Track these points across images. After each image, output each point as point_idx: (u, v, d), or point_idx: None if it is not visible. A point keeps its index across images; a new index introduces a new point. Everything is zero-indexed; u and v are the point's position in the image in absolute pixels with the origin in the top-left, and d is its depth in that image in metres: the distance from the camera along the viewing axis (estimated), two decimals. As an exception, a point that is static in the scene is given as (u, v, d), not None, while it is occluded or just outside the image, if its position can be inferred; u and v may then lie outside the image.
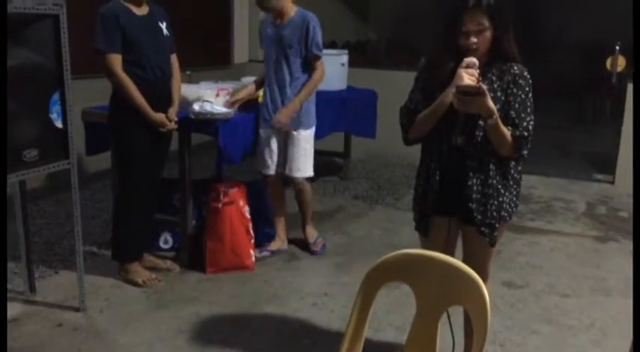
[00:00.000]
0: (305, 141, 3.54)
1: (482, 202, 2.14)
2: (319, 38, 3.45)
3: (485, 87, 1.94)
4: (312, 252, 3.74)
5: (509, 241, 4.09)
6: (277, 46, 3.46)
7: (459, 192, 2.14)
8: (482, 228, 2.17)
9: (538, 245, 4.12)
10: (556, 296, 3.34)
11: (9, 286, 3.19)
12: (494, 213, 2.15)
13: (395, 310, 3.02)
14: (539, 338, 2.90)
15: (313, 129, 3.62)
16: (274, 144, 3.58)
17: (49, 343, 2.70)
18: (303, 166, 3.57)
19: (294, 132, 3.49)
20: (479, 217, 2.15)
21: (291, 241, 3.88)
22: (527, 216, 4.68)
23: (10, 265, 3.42)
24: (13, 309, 2.94)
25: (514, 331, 2.95)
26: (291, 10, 3.43)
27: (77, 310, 2.98)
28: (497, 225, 2.18)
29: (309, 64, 3.50)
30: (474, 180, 2.12)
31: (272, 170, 3.63)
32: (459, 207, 2.16)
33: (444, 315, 2.09)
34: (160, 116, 3.14)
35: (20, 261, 3.11)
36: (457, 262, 1.62)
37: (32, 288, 3.12)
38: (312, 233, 3.82)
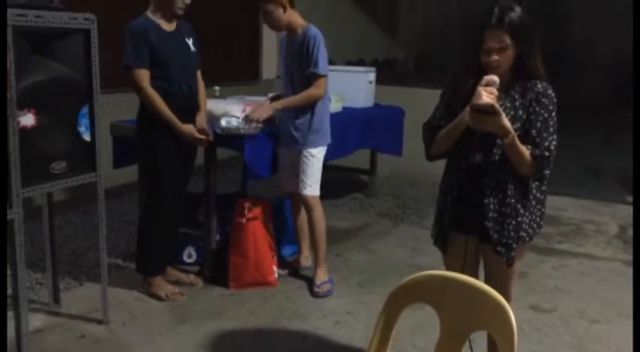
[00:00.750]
0: (313, 159, 3.42)
1: (499, 221, 2.11)
2: (319, 55, 3.27)
3: (499, 106, 1.92)
4: (313, 293, 3.44)
5: (537, 263, 4.00)
6: (286, 63, 3.43)
7: (476, 210, 2.12)
8: (499, 248, 2.13)
9: (567, 268, 4.02)
10: (585, 321, 3.25)
11: (34, 297, 3.22)
12: (512, 233, 2.11)
13: (418, 331, 2.96)
14: (568, 364, 2.82)
15: (323, 148, 3.47)
16: (289, 162, 3.53)
17: (71, 355, 2.71)
18: (310, 184, 3.42)
19: (305, 150, 3.42)
20: (495, 236, 2.11)
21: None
22: (556, 239, 4.58)
23: (36, 276, 3.46)
24: (37, 320, 2.96)
25: (541, 356, 2.86)
26: (299, 26, 3.34)
27: (100, 322, 2.99)
28: (514, 245, 2.13)
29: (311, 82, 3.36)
30: (491, 199, 2.10)
31: (289, 187, 3.60)
32: (476, 225, 2.14)
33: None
34: (188, 127, 3.16)
35: (46, 272, 3.13)
36: (483, 285, 1.58)
37: (57, 300, 3.15)
38: (321, 276, 3.50)
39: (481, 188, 2.10)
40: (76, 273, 3.57)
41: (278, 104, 3.39)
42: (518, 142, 1.98)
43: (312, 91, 3.32)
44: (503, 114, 1.93)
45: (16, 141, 2.39)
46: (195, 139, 3.20)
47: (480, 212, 2.11)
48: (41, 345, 2.76)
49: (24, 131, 2.45)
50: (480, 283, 1.58)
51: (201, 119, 3.27)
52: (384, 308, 1.68)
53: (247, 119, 3.36)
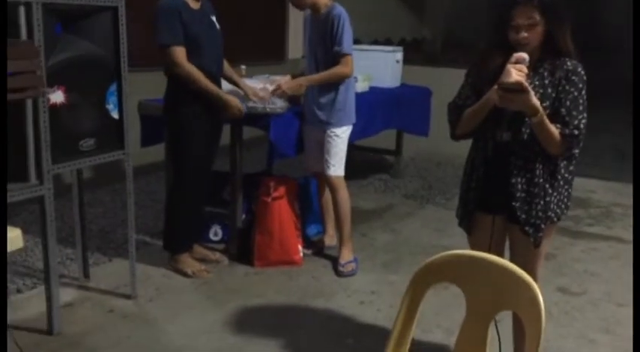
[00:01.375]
0: (338, 138, 3.39)
1: (527, 201, 2.08)
2: (343, 34, 3.22)
3: (528, 84, 1.88)
4: (337, 273, 3.45)
5: (566, 246, 3.95)
6: (310, 42, 3.39)
7: (503, 190, 2.09)
8: (527, 228, 2.10)
9: (596, 251, 3.96)
10: (614, 305, 3.20)
11: (65, 272, 3.29)
12: (540, 213, 2.08)
13: (443, 311, 2.95)
14: (596, 347, 2.78)
15: (349, 127, 3.45)
16: (314, 141, 3.52)
17: (100, 328, 2.77)
18: (334, 164, 3.40)
19: (329, 129, 3.40)
20: (523, 216, 2.09)
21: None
22: (585, 221, 4.51)
23: (67, 251, 3.53)
24: (67, 294, 3.02)
25: (569, 339, 2.83)
26: (323, 5, 3.29)
27: (128, 297, 3.04)
28: (542, 226, 2.10)
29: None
30: (519, 179, 2.07)
31: (315, 167, 3.60)
32: (503, 206, 2.11)
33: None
34: (234, 99, 3.19)
35: (76, 247, 3.20)
36: (510, 265, 1.55)
37: (86, 274, 3.21)
38: (346, 255, 3.50)
39: (508, 167, 2.07)
40: (105, 249, 3.63)
41: (304, 80, 3.37)
42: (547, 121, 1.94)
43: (338, 69, 3.29)
44: (532, 93, 1.89)
45: (46, 118, 2.42)
46: (239, 111, 3.20)
47: (508, 192, 2.08)
48: (71, 318, 2.82)
49: (54, 108, 2.48)
50: (507, 262, 1.56)
51: (249, 89, 3.37)
52: (409, 288, 1.67)
53: (275, 91, 3.36)
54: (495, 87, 1.91)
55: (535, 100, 1.90)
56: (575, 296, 3.29)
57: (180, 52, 3.04)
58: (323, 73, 3.32)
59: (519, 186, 2.07)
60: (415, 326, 1.70)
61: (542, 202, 2.08)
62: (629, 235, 4.26)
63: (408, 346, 1.69)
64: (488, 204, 2.15)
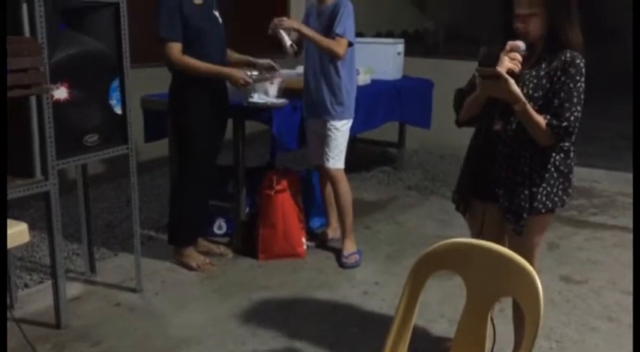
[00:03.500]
0: (338, 131, 3.39)
1: (510, 189, 2.10)
2: (345, 22, 3.20)
3: (525, 73, 1.90)
4: (341, 264, 3.47)
5: (570, 235, 3.96)
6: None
7: (490, 177, 2.13)
8: (508, 215, 2.13)
9: (600, 240, 3.96)
10: (617, 293, 3.21)
11: (71, 266, 3.33)
12: (523, 203, 2.10)
13: (448, 301, 2.97)
14: (599, 335, 2.80)
15: (349, 121, 3.44)
16: (316, 134, 3.52)
17: (107, 321, 2.80)
18: (333, 156, 3.41)
19: (329, 122, 3.40)
20: (505, 204, 2.12)
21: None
22: (589, 211, 4.51)
23: (73, 246, 3.57)
24: (74, 288, 3.06)
25: (571, 327, 2.85)
26: None
27: (134, 291, 3.07)
28: (524, 215, 2.10)
29: None
30: (503, 166, 2.10)
31: (317, 160, 3.60)
32: (490, 192, 2.15)
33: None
34: (237, 71, 3.18)
35: (82, 242, 3.23)
36: (509, 252, 1.57)
37: (93, 269, 3.24)
38: (349, 246, 3.52)
39: (495, 155, 2.11)
40: (110, 244, 3.66)
41: (303, 27, 3.28)
42: (530, 110, 1.95)
43: (332, 44, 3.21)
44: (511, 80, 1.89)
45: (50, 114, 2.45)
46: (238, 79, 3.17)
47: (493, 178, 2.12)
48: (78, 312, 2.86)
49: (57, 104, 2.50)
50: (505, 249, 1.58)
51: (261, 63, 3.38)
52: (410, 276, 1.69)
53: (274, 24, 3.27)
54: (475, 73, 1.96)
55: (515, 88, 1.90)
56: (577, 284, 3.31)
57: (175, 48, 3.05)
58: (321, 37, 3.24)
59: (503, 174, 2.10)
60: (416, 315, 1.71)
61: (526, 191, 2.09)
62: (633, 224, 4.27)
63: (409, 334, 1.71)
64: (480, 191, 2.19)
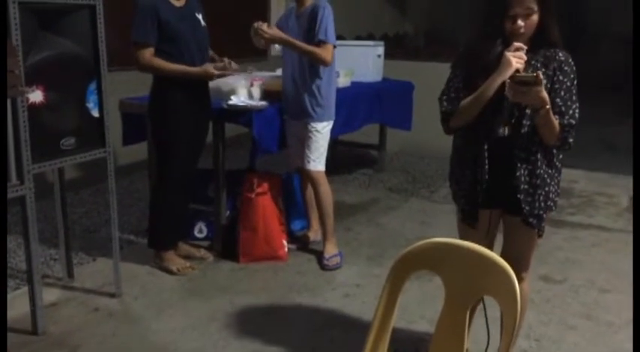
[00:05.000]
0: (319, 133, 3.38)
1: (529, 193, 2.10)
2: (327, 26, 3.20)
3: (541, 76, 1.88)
4: (322, 266, 3.46)
5: (548, 235, 3.93)
6: (292, 35, 3.32)
7: (507, 183, 2.10)
8: (531, 219, 2.13)
9: (578, 240, 4.01)
10: (595, 291, 3.25)
11: (49, 272, 3.28)
12: (542, 204, 2.12)
13: (427, 302, 2.98)
14: (577, 333, 2.83)
15: (329, 123, 3.43)
16: (296, 137, 3.51)
17: (85, 327, 2.77)
18: (314, 159, 3.40)
19: (310, 125, 3.38)
20: (527, 208, 2.11)
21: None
22: (567, 210, 4.56)
23: (50, 251, 3.52)
24: (52, 294, 3.02)
25: (550, 326, 2.88)
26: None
27: (113, 296, 3.04)
28: (544, 216, 2.15)
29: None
30: (522, 171, 2.08)
31: (297, 162, 3.58)
32: (506, 198, 2.13)
33: (480, 307, 2.05)
34: (201, 68, 3.12)
35: (59, 247, 3.19)
36: (487, 251, 1.58)
37: (70, 274, 3.20)
38: (330, 249, 3.52)
39: (511, 160, 2.07)
40: (89, 249, 3.62)
41: (290, 39, 3.23)
42: (551, 112, 1.96)
43: (319, 51, 3.20)
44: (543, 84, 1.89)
45: (25, 118, 2.41)
46: (211, 74, 3.12)
47: (512, 185, 2.09)
48: (56, 318, 2.81)
49: (33, 107, 2.47)
50: (483, 249, 1.58)
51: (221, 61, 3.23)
52: (389, 277, 1.69)
53: (257, 26, 3.21)
54: (507, 80, 1.91)
55: (545, 92, 1.90)
56: (556, 283, 3.34)
57: (145, 52, 3.02)
58: (305, 45, 3.22)
59: (523, 179, 2.08)
60: (396, 315, 1.72)
61: (543, 192, 2.11)
62: (610, 223, 4.32)
63: (389, 335, 1.71)
64: (488, 198, 2.15)
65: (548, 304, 3.09)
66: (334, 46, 3.27)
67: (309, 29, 3.25)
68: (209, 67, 3.12)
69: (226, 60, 3.19)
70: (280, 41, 3.28)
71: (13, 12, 2.31)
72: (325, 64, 3.26)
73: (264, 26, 3.20)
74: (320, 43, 3.21)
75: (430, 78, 4.07)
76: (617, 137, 7.10)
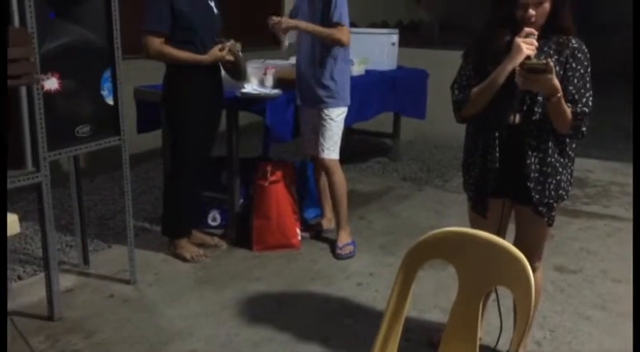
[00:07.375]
0: (333, 121, 3.37)
1: (540, 181, 2.08)
2: (340, 9, 3.20)
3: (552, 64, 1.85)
4: (335, 255, 3.47)
5: (563, 225, 3.96)
6: (305, 19, 3.31)
7: (517, 172, 2.09)
8: (540, 208, 2.11)
9: (593, 230, 3.98)
10: (610, 282, 3.22)
11: (64, 258, 3.32)
12: (552, 193, 2.10)
13: (441, 292, 2.97)
14: (591, 324, 2.81)
15: (343, 110, 3.42)
16: (310, 125, 3.50)
17: (100, 313, 2.80)
18: (328, 147, 3.39)
19: (324, 111, 3.37)
20: (537, 197, 2.09)
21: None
22: (582, 200, 4.52)
23: (66, 238, 3.56)
24: (68, 280, 3.05)
25: (565, 316, 2.86)
26: None
27: (128, 283, 3.07)
28: (555, 205, 2.13)
29: None
30: (533, 159, 2.06)
31: (311, 150, 3.59)
32: (516, 187, 2.11)
33: (492, 298, 2.04)
34: (211, 53, 3.11)
35: (75, 234, 3.22)
36: (501, 241, 1.57)
37: (86, 261, 3.23)
38: (343, 237, 3.52)
39: (522, 148, 2.06)
40: (104, 236, 3.65)
41: (302, 23, 3.26)
42: (563, 100, 1.93)
43: (336, 33, 3.20)
44: (555, 72, 1.86)
45: (41, 105, 2.43)
46: (219, 56, 3.13)
47: (522, 173, 2.08)
48: (72, 304, 2.85)
49: (48, 95, 2.48)
50: (496, 238, 1.57)
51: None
52: (402, 266, 1.68)
53: (272, 22, 3.24)
54: (518, 68, 1.89)
55: (556, 80, 1.87)
56: (571, 273, 3.32)
57: (154, 41, 3.02)
58: (322, 28, 3.22)
59: (533, 167, 2.07)
60: (409, 305, 1.71)
61: (554, 181, 2.09)
62: (626, 213, 4.28)
63: (402, 324, 1.71)
64: (499, 187, 2.14)
65: (562, 294, 3.08)
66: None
67: (323, 12, 3.23)
68: (214, 50, 3.12)
69: (232, 41, 3.19)
70: (297, 28, 3.28)
71: None
72: (342, 44, 3.26)
73: (278, 20, 3.24)
74: (336, 26, 3.20)
75: (445, 66, 4.03)
76: (630, 125, 7.00)
